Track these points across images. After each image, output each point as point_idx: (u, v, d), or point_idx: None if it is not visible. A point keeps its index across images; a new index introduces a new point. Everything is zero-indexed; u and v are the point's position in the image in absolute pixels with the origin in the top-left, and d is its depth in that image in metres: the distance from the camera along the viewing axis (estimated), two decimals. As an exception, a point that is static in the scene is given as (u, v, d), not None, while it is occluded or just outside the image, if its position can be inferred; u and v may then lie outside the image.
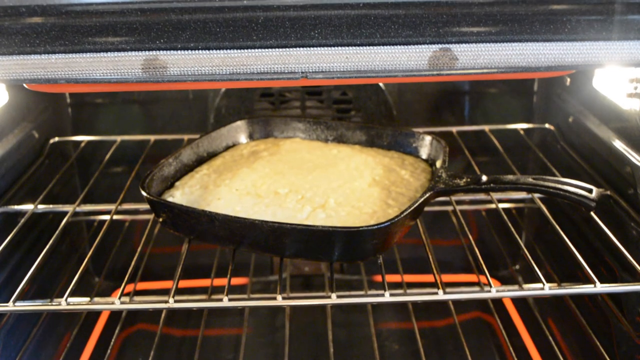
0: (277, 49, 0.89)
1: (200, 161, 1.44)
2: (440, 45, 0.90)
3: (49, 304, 1.09)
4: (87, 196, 1.62)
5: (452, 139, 1.73)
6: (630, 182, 1.35)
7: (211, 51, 0.89)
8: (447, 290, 1.70)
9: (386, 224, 1.08)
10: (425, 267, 1.23)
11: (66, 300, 1.08)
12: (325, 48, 0.90)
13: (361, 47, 0.90)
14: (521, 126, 1.80)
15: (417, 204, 1.14)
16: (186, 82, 0.90)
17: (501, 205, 1.67)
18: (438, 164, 1.37)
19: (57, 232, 1.35)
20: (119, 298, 1.10)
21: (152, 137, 1.75)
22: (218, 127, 1.52)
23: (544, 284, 1.12)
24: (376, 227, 1.08)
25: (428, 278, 1.19)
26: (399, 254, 1.77)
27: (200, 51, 0.89)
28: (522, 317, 1.77)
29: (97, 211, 1.64)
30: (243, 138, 1.54)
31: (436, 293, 1.12)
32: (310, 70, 0.91)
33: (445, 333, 1.76)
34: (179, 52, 0.89)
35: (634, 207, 1.35)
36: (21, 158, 1.55)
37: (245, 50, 0.89)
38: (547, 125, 1.78)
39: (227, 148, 1.51)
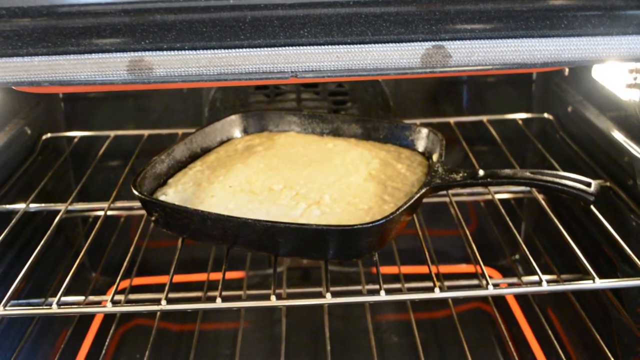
0: (265, 49, 0.87)
1: (194, 157, 1.42)
2: (433, 43, 0.88)
3: (41, 307, 1.08)
4: (81, 192, 1.61)
5: (449, 130, 1.71)
6: (630, 173, 1.33)
7: (198, 51, 0.87)
8: (446, 284, 1.72)
9: (381, 221, 1.06)
10: (423, 259, 1.22)
11: (58, 303, 1.06)
12: (315, 47, 0.87)
13: (352, 46, 0.88)
14: (520, 116, 1.78)
15: (412, 201, 1.12)
16: (173, 83, 0.88)
17: (500, 196, 1.66)
18: (435, 157, 1.35)
19: (50, 230, 1.34)
20: (112, 299, 1.08)
21: (145, 132, 1.73)
22: (212, 121, 1.50)
23: (541, 280, 1.11)
24: (370, 225, 1.06)
25: (426, 270, 1.18)
26: (397, 245, 1.76)
27: (186, 51, 0.87)
28: (521, 307, 1.77)
29: (90, 209, 1.62)
30: (237, 132, 1.52)
31: (433, 290, 1.11)
32: (300, 70, 0.88)
33: (445, 324, 1.75)
34: (165, 52, 0.86)
35: (634, 199, 1.33)
36: (13, 155, 1.53)
37: (233, 50, 0.87)
38: (545, 115, 1.76)
39: (222, 143, 1.49)
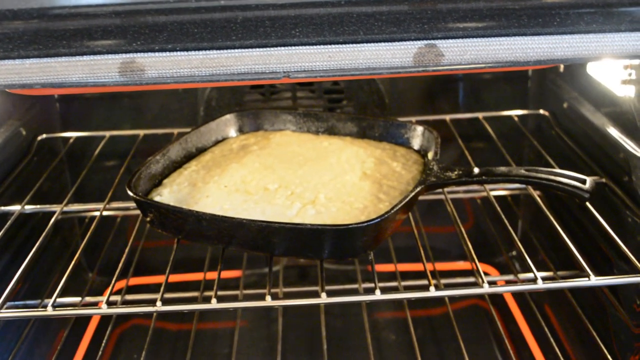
0: (257, 49, 0.87)
1: (189, 157, 1.41)
2: (425, 42, 0.88)
3: (36, 310, 1.08)
4: (78, 193, 1.60)
5: (445, 128, 1.71)
6: (625, 169, 1.33)
7: (190, 52, 0.86)
8: (443, 281, 1.71)
9: (376, 220, 1.06)
10: (420, 256, 1.22)
11: (53, 305, 1.06)
12: (307, 47, 0.87)
13: (344, 45, 0.87)
14: (515, 113, 1.78)
15: (407, 199, 1.12)
16: (166, 84, 0.87)
17: (496, 193, 1.66)
18: (430, 155, 1.35)
19: (45, 231, 1.33)
20: (107, 300, 1.08)
21: (141, 132, 1.73)
22: (207, 121, 1.49)
23: (536, 278, 1.11)
24: (365, 224, 1.06)
25: (423, 267, 1.18)
26: (393, 243, 1.75)
27: (178, 52, 0.86)
28: (518, 304, 1.77)
29: (86, 210, 1.62)
30: (233, 132, 1.52)
31: (428, 289, 1.11)
32: (293, 70, 0.88)
33: (442, 321, 1.75)
34: (156, 54, 0.86)
35: (629, 195, 1.33)
36: (8, 156, 1.53)
37: (225, 51, 0.87)
38: (541, 111, 1.76)
39: (217, 142, 1.49)
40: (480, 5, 0.87)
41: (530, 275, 1.67)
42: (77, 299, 1.55)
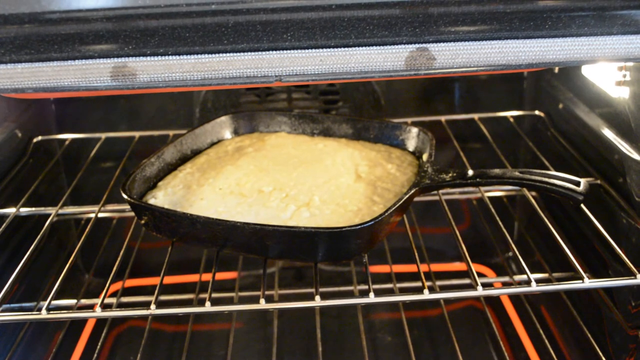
0: (249, 53, 0.87)
1: (184, 159, 1.41)
2: (417, 45, 0.88)
3: (30, 313, 1.08)
4: (74, 194, 1.60)
5: (441, 128, 1.71)
6: (620, 171, 1.33)
7: (181, 56, 0.86)
8: (438, 283, 1.72)
9: (369, 223, 1.06)
10: (415, 257, 1.22)
11: (48, 307, 1.06)
12: (299, 51, 0.87)
13: (336, 49, 0.87)
14: (511, 114, 1.78)
15: (401, 202, 1.12)
16: (158, 88, 0.87)
17: (492, 194, 1.66)
18: (424, 157, 1.35)
19: (40, 234, 1.34)
20: (102, 303, 1.08)
21: (136, 134, 1.73)
22: (203, 122, 1.49)
23: (530, 280, 1.11)
24: (359, 227, 1.06)
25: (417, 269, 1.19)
26: (389, 244, 1.75)
27: (170, 57, 0.86)
28: (514, 305, 1.77)
29: (82, 212, 1.62)
30: (228, 134, 1.52)
31: (422, 291, 1.11)
32: (284, 74, 0.88)
33: (439, 323, 1.75)
34: (148, 58, 0.86)
35: (624, 196, 1.33)
36: (4, 159, 1.52)
37: (217, 55, 0.87)
38: (537, 112, 1.76)
39: (212, 144, 1.49)
40: (471, 8, 0.87)
41: (525, 277, 1.68)
42: (73, 302, 1.55)
